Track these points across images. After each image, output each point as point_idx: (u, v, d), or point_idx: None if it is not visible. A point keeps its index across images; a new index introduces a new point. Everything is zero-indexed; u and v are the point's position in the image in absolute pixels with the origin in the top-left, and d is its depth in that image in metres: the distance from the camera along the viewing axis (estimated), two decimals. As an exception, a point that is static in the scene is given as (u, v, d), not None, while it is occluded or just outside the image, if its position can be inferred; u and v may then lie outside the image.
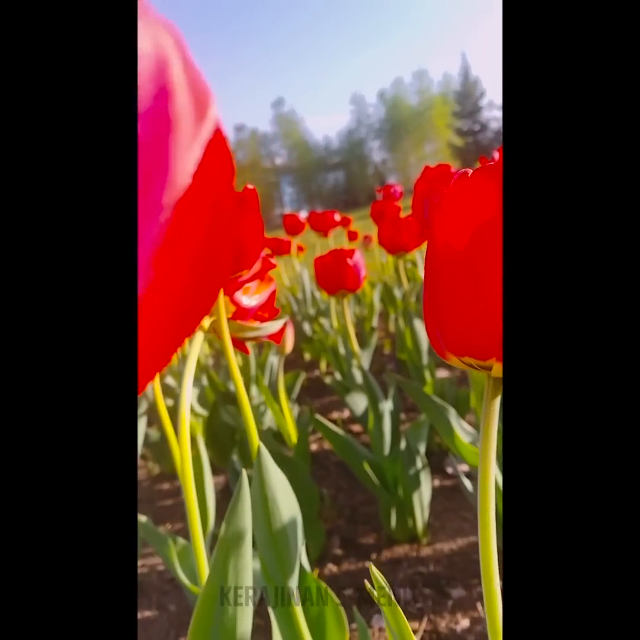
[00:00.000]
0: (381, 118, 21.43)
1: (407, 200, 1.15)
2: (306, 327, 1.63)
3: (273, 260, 0.41)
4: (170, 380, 1.19)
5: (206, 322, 0.37)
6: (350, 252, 0.67)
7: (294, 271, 1.84)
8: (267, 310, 0.41)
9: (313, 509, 0.71)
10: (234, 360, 0.36)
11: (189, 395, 0.36)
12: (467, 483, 0.58)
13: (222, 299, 0.36)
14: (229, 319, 0.38)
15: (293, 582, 0.36)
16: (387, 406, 0.67)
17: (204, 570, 0.31)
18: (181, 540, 0.56)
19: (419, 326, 0.91)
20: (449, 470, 0.87)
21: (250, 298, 0.39)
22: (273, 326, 0.40)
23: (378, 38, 49.47)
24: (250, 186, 0.35)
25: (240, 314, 0.39)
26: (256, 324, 0.40)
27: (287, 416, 0.72)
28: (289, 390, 1.02)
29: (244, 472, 0.30)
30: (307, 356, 1.68)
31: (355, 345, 0.69)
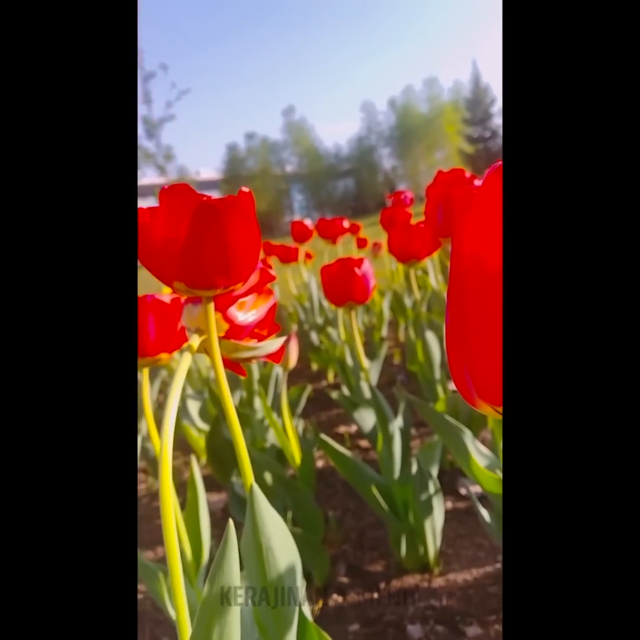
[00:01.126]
0: (391, 125, 21.45)
1: (417, 208, 1.11)
2: (314, 336, 1.59)
3: (272, 272, 0.37)
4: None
5: (196, 341, 0.33)
6: (359, 262, 0.63)
7: (302, 279, 1.80)
8: (266, 327, 0.37)
9: (317, 534, 0.67)
10: (225, 385, 0.32)
11: (172, 421, 0.32)
12: (484, 512, 0.54)
13: (212, 315, 0.32)
14: (221, 338, 0.34)
15: (291, 638, 0.31)
16: (397, 425, 0.63)
17: (186, 634, 0.26)
18: (174, 572, 0.51)
19: (431, 338, 0.87)
20: (462, 491, 0.82)
21: (245, 314, 0.35)
22: (272, 345, 0.36)
23: (388, 46, 49.65)
24: (245, 189, 0.31)
25: (235, 332, 0.35)
26: (253, 342, 0.36)
27: (291, 434, 0.67)
28: (294, 404, 0.98)
29: (231, 523, 0.26)
30: (315, 366, 1.64)
31: (364, 359, 0.65)
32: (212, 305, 0.32)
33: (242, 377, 0.90)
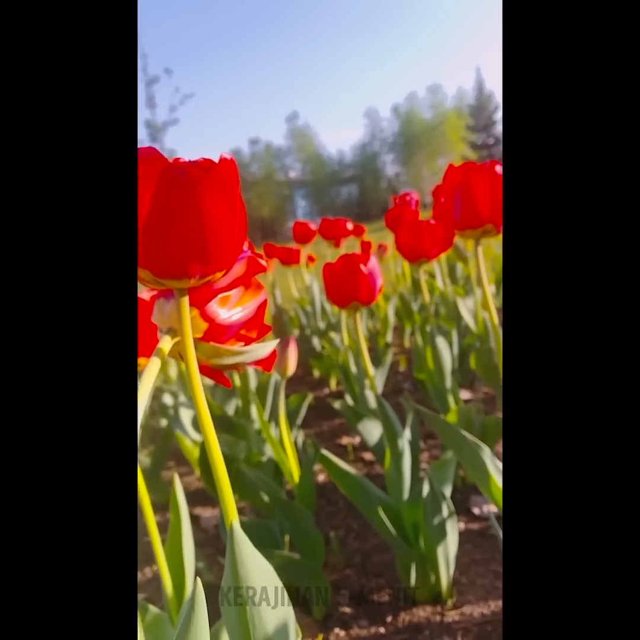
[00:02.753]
0: (395, 132, 21.50)
1: (423, 214, 1.04)
2: (315, 342, 1.52)
3: (263, 261, 0.31)
4: (167, 399, 1.09)
5: (167, 344, 0.27)
6: (364, 257, 0.57)
7: (304, 282, 1.74)
8: (255, 328, 0.31)
9: (317, 560, 0.60)
10: (201, 398, 0.25)
11: (137, 434, 0.25)
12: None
13: (186, 312, 0.25)
14: (199, 340, 0.28)
15: None
16: (405, 439, 0.56)
17: None
18: (153, 610, 0.45)
19: (442, 344, 0.81)
20: (476, 510, 0.76)
21: (229, 311, 0.29)
22: (262, 350, 0.30)
23: (392, 53, 49.76)
24: (226, 155, 0.25)
25: (216, 332, 0.29)
26: (238, 346, 0.30)
27: (288, 448, 0.61)
28: (293, 414, 0.92)
29: (198, 583, 0.20)
30: (316, 373, 1.58)
31: (369, 366, 0.59)
32: (186, 300, 0.26)
33: (238, 385, 0.84)
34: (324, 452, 0.57)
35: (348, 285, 0.57)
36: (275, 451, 0.60)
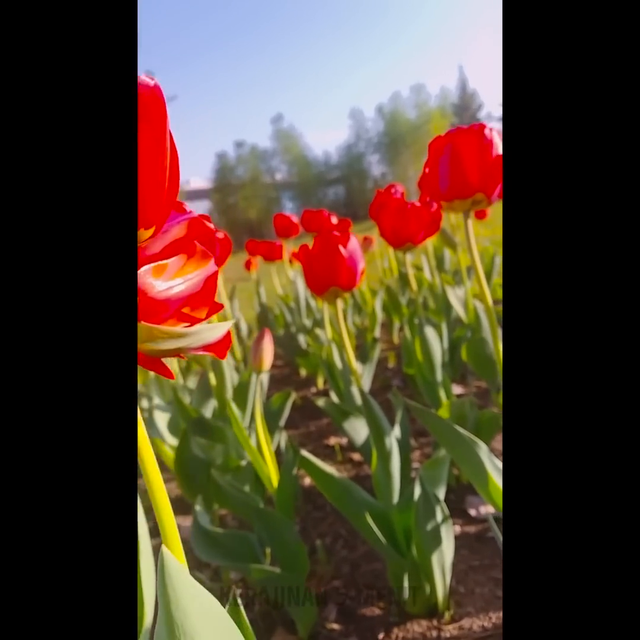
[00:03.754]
0: (380, 132, 21.54)
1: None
2: (302, 340, 1.47)
3: (211, 225, 0.25)
4: (144, 402, 1.03)
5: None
6: (343, 238, 0.52)
7: (287, 278, 1.69)
8: (202, 305, 0.25)
9: (300, 573, 0.55)
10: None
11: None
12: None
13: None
14: (127, 319, 0.23)
15: None
16: (393, 438, 0.51)
17: None
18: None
19: (431, 335, 0.75)
20: (472, 512, 0.71)
21: (167, 283, 0.24)
22: (209, 332, 0.25)
23: (375, 53, 49.84)
24: (149, 80, 0.19)
25: (150, 309, 0.23)
26: (181, 327, 0.25)
27: (266, 453, 0.56)
28: (276, 414, 0.86)
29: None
30: (303, 372, 1.52)
31: (354, 361, 0.53)
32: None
33: (214, 384, 0.78)
34: (305, 454, 0.51)
35: (326, 269, 0.52)
36: (251, 455, 0.55)
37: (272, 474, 0.56)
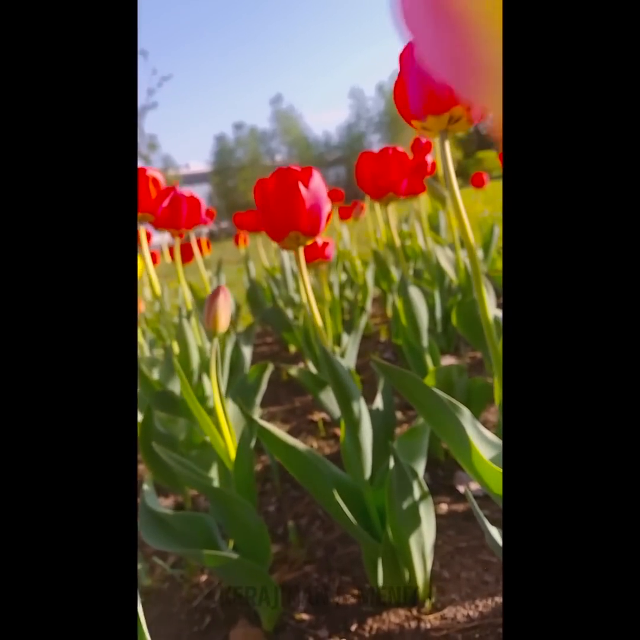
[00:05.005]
0: (381, 111, 21.26)
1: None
2: (290, 314, 1.40)
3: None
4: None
5: None
6: (305, 174, 0.44)
7: (276, 250, 1.61)
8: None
9: (263, 561, 0.48)
10: None
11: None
12: (494, 532, 0.36)
13: None
14: None
15: None
16: (362, 403, 0.44)
17: None
18: None
19: (416, 295, 0.68)
20: (461, 488, 0.64)
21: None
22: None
23: (376, 32, 49.00)
24: None
25: None
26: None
27: (224, 426, 0.49)
28: (253, 388, 0.80)
29: None
30: (292, 348, 1.46)
31: (318, 317, 0.46)
32: None
33: (179, 353, 0.71)
34: (263, 423, 0.44)
35: (285, 210, 0.44)
36: (205, 428, 0.48)
37: (230, 449, 0.50)
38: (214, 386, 0.50)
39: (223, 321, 0.50)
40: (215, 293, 0.50)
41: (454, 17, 0.09)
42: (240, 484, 0.49)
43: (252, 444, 0.49)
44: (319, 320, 0.47)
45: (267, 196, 0.46)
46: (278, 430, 0.45)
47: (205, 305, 0.50)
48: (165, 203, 0.70)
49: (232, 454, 0.50)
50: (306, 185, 0.45)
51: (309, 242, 0.47)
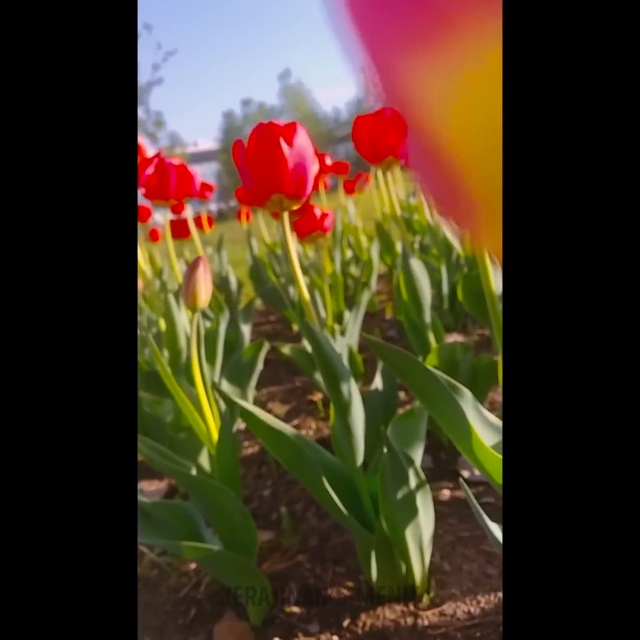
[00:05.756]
0: (391, 85, 20.94)
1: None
2: (292, 292, 1.36)
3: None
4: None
5: None
6: (288, 129, 0.40)
7: (276, 225, 1.56)
8: None
9: (248, 553, 0.45)
10: None
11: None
12: (493, 528, 0.32)
13: None
14: None
15: None
16: (351, 382, 0.40)
17: None
18: None
19: (417, 268, 0.64)
20: (465, 473, 0.61)
21: None
22: None
23: (386, 4, 47.60)
24: None
25: None
26: None
27: (206, 408, 0.45)
28: (248, 368, 0.76)
29: None
30: (296, 327, 1.42)
31: (304, 290, 0.42)
32: None
33: (165, 331, 0.68)
34: (244, 404, 0.41)
35: (265, 169, 0.40)
36: (185, 410, 0.45)
37: (213, 433, 0.46)
38: (194, 366, 0.46)
39: (203, 295, 0.46)
40: (194, 264, 0.46)
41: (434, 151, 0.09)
42: (223, 470, 0.45)
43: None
44: (305, 294, 0.43)
45: (246, 155, 0.41)
46: (263, 413, 0.41)
47: (184, 278, 0.46)
48: (150, 170, 0.66)
49: (214, 437, 0.46)
50: (289, 143, 0.40)
51: (295, 207, 0.42)
